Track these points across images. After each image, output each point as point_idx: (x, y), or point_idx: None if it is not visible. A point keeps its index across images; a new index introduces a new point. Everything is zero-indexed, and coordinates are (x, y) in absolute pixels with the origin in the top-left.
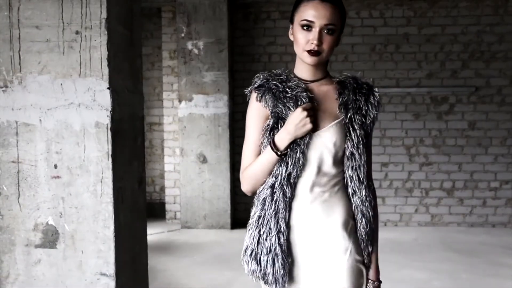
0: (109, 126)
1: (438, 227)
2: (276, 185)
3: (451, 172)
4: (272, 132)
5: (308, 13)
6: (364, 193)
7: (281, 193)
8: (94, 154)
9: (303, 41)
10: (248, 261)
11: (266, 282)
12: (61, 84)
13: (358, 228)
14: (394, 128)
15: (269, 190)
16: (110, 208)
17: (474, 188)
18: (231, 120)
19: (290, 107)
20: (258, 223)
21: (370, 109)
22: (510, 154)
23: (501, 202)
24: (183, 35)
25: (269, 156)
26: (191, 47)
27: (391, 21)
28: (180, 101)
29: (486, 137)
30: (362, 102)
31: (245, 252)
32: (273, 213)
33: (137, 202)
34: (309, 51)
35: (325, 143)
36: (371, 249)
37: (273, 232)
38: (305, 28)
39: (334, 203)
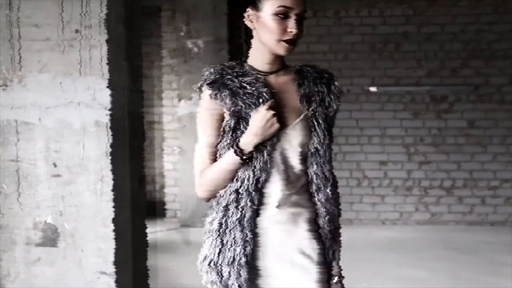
0: (108, 124)
1: (437, 225)
2: (241, 191)
3: (451, 171)
4: (234, 134)
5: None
6: (329, 190)
7: (248, 199)
8: (94, 152)
9: (279, 29)
10: (208, 271)
11: None
12: (61, 82)
13: (322, 226)
14: (394, 127)
15: (233, 196)
16: (110, 206)
17: (474, 186)
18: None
19: (251, 104)
20: (219, 231)
21: (333, 100)
22: (510, 152)
23: (501, 201)
24: (183, 33)
25: (231, 160)
26: (191, 45)
27: (390, 19)
28: (179, 100)
29: (486, 136)
30: (325, 93)
31: (203, 261)
32: (238, 221)
33: (137, 201)
34: (287, 41)
35: (291, 142)
36: (335, 247)
37: (239, 242)
38: (281, 15)
39: (301, 206)
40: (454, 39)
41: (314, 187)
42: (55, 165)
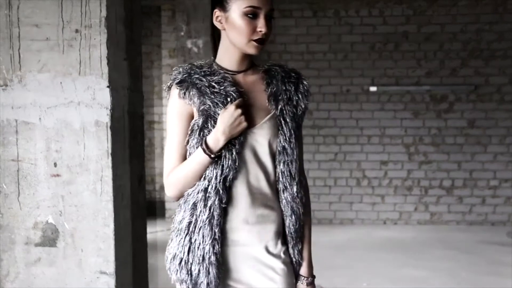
0: (108, 124)
1: (437, 225)
2: (210, 189)
3: (451, 171)
4: (202, 132)
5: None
6: (295, 189)
7: (217, 198)
8: (94, 152)
9: (248, 29)
10: (177, 270)
11: None
12: (61, 82)
13: (287, 225)
14: (394, 127)
15: (201, 195)
16: (110, 206)
17: (473, 186)
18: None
19: (219, 103)
20: (188, 230)
21: (301, 99)
22: (509, 152)
23: (500, 201)
24: (182, 33)
25: (200, 159)
26: (191, 45)
27: (390, 19)
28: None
29: (485, 136)
30: (292, 92)
31: (173, 260)
32: (207, 219)
33: (137, 201)
34: (256, 40)
35: (259, 141)
36: (300, 246)
37: (207, 240)
38: (250, 15)
39: (269, 205)
40: (454, 39)
41: (281, 186)
42: (55, 165)
